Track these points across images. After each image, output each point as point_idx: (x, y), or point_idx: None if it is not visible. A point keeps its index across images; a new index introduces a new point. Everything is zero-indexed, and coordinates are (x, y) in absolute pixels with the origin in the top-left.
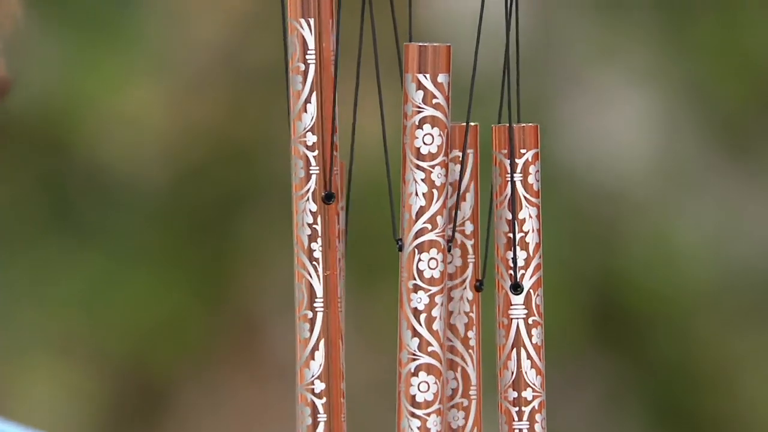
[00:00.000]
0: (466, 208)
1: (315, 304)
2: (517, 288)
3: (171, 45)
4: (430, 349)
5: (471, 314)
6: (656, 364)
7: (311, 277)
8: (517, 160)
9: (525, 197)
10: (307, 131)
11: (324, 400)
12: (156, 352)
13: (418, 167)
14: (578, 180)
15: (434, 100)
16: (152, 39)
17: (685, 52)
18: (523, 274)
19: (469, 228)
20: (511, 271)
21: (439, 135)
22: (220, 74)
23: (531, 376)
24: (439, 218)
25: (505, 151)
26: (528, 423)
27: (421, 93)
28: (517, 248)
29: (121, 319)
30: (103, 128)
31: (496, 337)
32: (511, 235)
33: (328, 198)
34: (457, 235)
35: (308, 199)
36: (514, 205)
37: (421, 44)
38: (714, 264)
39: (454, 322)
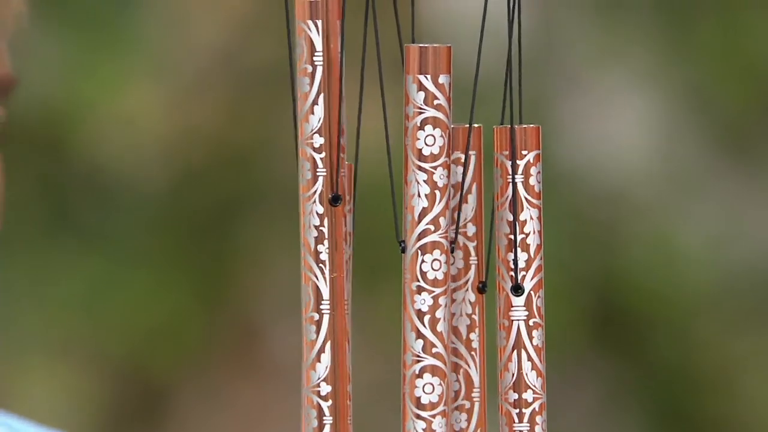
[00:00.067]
0: (468, 209)
1: (321, 307)
2: (517, 290)
3: (171, 47)
4: (434, 350)
5: (474, 316)
6: (657, 365)
7: (318, 279)
8: (518, 162)
9: (526, 198)
10: (314, 133)
11: (330, 402)
12: (155, 354)
13: (420, 168)
14: (579, 182)
15: (435, 101)
16: (152, 41)
17: (686, 54)
18: (524, 276)
19: (471, 230)
20: (512, 273)
21: (441, 136)
22: (220, 76)
23: (532, 377)
24: (441, 219)
25: (507, 153)
26: (528, 425)
27: (422, 94)
28: (518, 250)
29: (120, 321)
30: (103, 130)
31: (497, 339)
32: (512, 236)
33: (335, 200)
34: (460, 237)
35: (315, 201)
36: (515, 206)
37: (421, 45)
38: (714, 266)
39: (456, 325)
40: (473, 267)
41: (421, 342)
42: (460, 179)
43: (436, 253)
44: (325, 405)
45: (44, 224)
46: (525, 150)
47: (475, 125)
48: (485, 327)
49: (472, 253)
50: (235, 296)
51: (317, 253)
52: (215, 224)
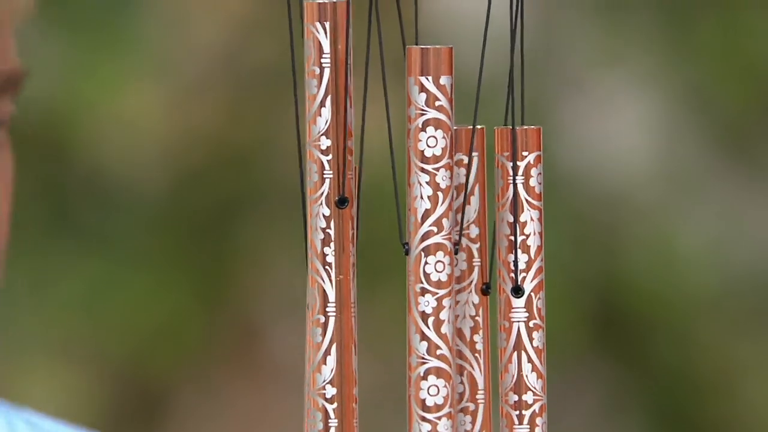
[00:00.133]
0: (471, 211)
1: (327, 309)
2: (518, 291)
3: (171, 48)
4: (438, 352)
5: (477, 318)
6: (657, 368)
7: (324, 281)
8: (519, 163)
9: (527, 200)
10: (321, 135)
11: (335, 405)
12: (155, 355)
13: (423, 170)
14: (579, 183)
15: (437, 103)
16: (152, 41)
17: (686, 55)
18: (525, 277)
19: (474, 231)
20: (513, 274)
21: (443, 137)
22: (220, 76)
23: (532, 379)
24: (444, 221)
25: (507, 154)
26: (529, 427)
27: (423, 95)
28: (519, 251)
29: (120, 322)
30: (103, 131)
31: (498, 340)
32: (512, 237)
33: (341, 202)
34: (463, 239)
35: (322, 204)
36: (515, 207)
37: (423, 47)
38: (715, 268)
39: (460, 326)
40: (476, 268)
41: (425, 344)
42: (462, 181)
43: (440, 254)
44: (331, 408)
45: (44, 225)
46: (526, 151)
47: (478, 126)
48: (489, 329)
49: (476, 254)
50: (235, 296)
51: (323, 255)
52: (215, 224)
